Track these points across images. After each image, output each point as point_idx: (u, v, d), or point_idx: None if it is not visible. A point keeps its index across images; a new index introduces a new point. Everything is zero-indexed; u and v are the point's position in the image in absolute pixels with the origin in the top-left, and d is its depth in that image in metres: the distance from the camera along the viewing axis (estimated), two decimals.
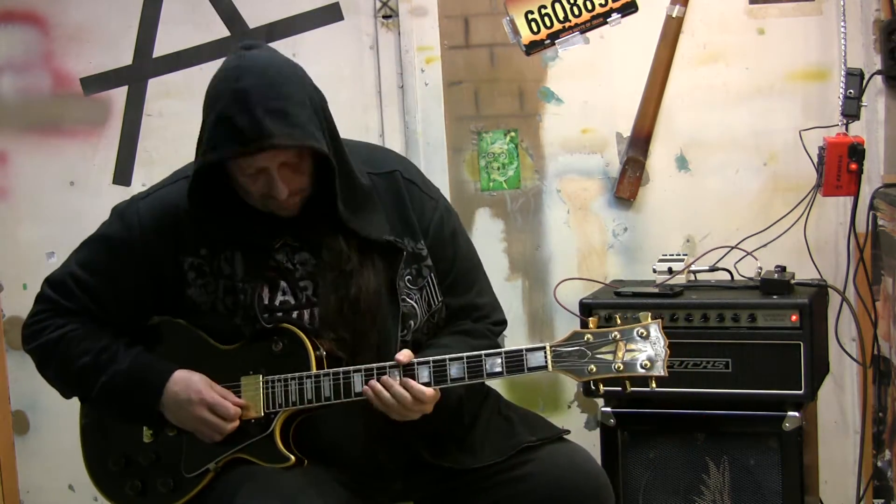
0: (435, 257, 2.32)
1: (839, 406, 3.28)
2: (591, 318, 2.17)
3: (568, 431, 2.39)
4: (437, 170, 3.39)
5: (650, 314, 2.10)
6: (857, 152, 2.95)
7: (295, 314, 2.25)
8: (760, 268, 2.96)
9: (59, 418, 3.64)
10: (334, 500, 2.18)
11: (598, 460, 2.70)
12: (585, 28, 3.33)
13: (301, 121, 2.08)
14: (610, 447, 2.91)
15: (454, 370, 2.15)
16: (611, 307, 2.89)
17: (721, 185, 3.30)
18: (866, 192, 3.09)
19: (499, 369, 2.14)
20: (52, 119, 3.61)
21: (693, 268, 3.06)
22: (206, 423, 2.20)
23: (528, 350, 2.14)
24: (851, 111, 3.00)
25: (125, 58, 3.55)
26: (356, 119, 3.43)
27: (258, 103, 2.05)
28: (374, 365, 2.18)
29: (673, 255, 3.08)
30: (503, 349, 2.16)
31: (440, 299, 2.33)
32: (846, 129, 3.02)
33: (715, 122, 3.28)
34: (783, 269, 2.94)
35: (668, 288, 2.94)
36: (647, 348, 2.08)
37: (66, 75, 3.59)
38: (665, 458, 2.89)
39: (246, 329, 2.23)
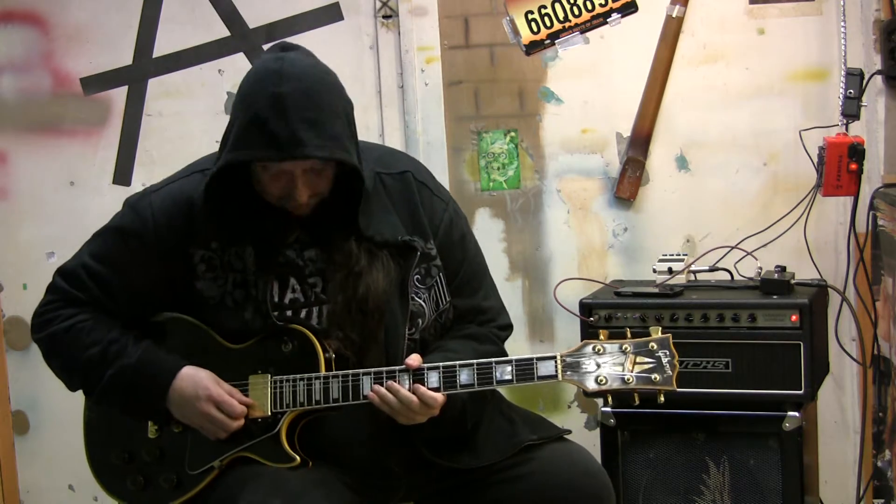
0: (443, 259, 2.34)
1: (839, 406, 3.28)
2: (601, 330, 2.18)
3: (569, 431, 2.40)
4: (437, 170, 3.37)
5: (660, 328, 2.13)
6: (857, 152, 2.95)
7: (304, 312, 2.26)
8: (760, 268, 2.96)
9: (59, 418, 3.65)
10: (338, 500, 2.18)
11: (599, 460, 2.70)
12: (585, 28, 3.33)
13: (335, 132, 2.11)
14: (610, 447, 2.90)
15: (464, 376, 2.17)
16: (611, 307, 2.89)
17: (721, 185, 3.30)
18: (866, 192, 3.09)
19: (508, 377, 2.16)
20: (52, 119, 3.61)
21: (693, 268, 3.06)
22: (212, 419, 2.20)
23: (538, 359, 2.16)
24: (851, 111, 3.00)
25: (125, 58, 3.56)
26: (356, 119, 3.41)
27: (294, 111, 2.07)
28: (384, 368, 2.19)
29: (673, 255, 3.08)
30: (514, 357, 2.18)
31: (448, 299, 2.35)
32: (846, 129, 3.03)
33: (715, 122, 3.28)
34: (783, 269, 2.94)
35: (668, 288, 2.94)
36: (657, 362, 2.11)
37: (66, 75, 3.59)
38: (665, 458, 2.89)
39: (256, 324, 2.23)
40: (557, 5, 3.32)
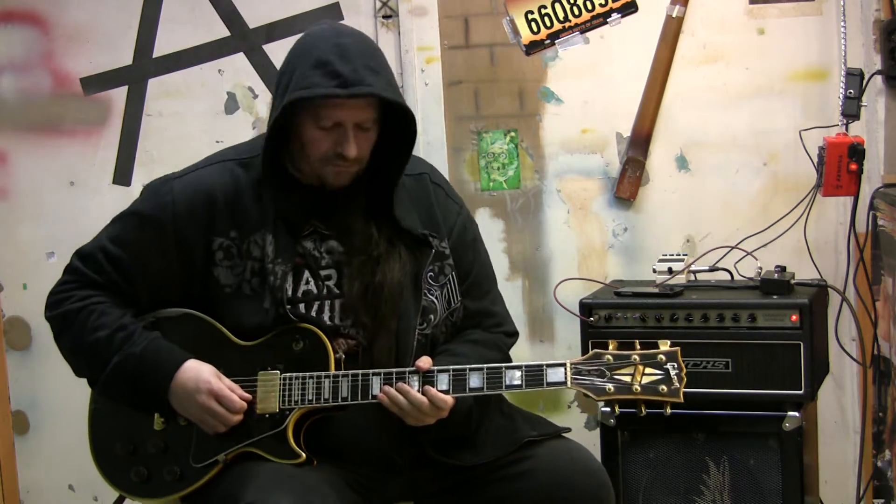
0: (455, 260, 2.37)
1: (839, 406, 3.28)
2: (610, 340, 2.20)
3: (569, 429, 2.40)
4: None
5: (669, 342, 2.16)
6: (857, 152, 2.95)
7: (316, 305, 2.28)
8: (760, 268, 2.96)
9: (58, 418, 3.65)
10: (343, 500, 2.18)
11: (598, 460, 2.70)
12: (585, 28, 3.33)
13: (393, 82, 2.22)
14: (610, 447, 2.91)
15: (473, 380, 2.19)
16: (611, 307, 2.89)
17: (721, 185, 3.30)
18: (866, 192, 3.09)
19: (518, 382, 2.18)
20: (52, 119, 3.61)
21: (693, 268, 3.06)
22: (212, 412, 2.20)
23: (548, 366, 2.18)
24: (851, 111, 3.00)
25: (125, 58, 3.56)
26: None
27: (358, 57, 2.16)
28: (394, 370, 2.21)
29: (673, 255, 3.08)
30: (524, 363, 2.19)
31: (459, 299, 2.37)
32: (846, 129, 3.03)
33: (715, 122, 3.28)
34: (783, 269, 2.94)
35: (668, 288, 2.94)
36: (665, 374, 2.14)
37: (66, 75, 3.59)
38: (665, 458, 2.89)
39: (271, 313, 2.23)
40: (557, 5, 3.32)
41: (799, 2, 3.20)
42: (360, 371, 2.21)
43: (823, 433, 3.15)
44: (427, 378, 2.19)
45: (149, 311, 2.32)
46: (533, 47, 3.36)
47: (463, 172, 3.45)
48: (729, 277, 3.05)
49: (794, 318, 2.76)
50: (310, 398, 2.22)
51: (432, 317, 2.32)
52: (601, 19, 3.31)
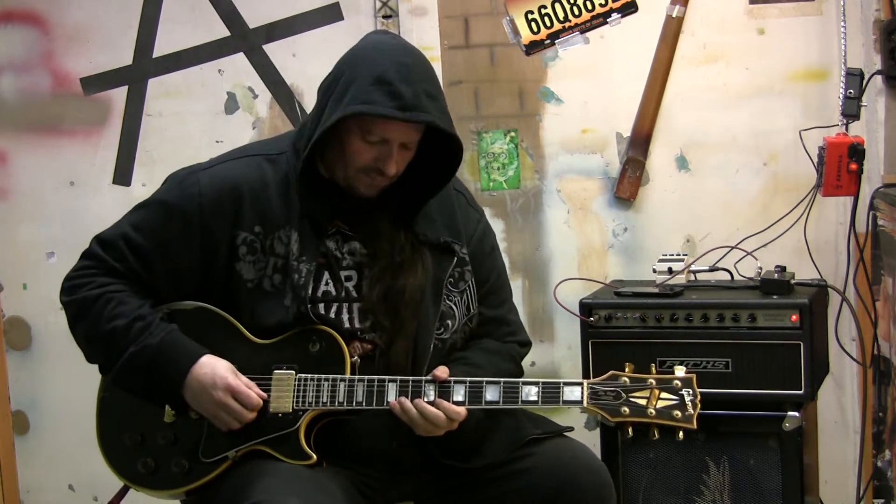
0: (474, 267, 2.38)
1: (839, 406, 3.28)
2: (627, 363, 2.22)
3: (571, 428, 2.41)
4: None
5: (685, 368, 2.19)
6: (857, 152, 2.95)
7: (335, 307, 2.27)
8: (760, 268, 2.96)
9: (59, 418, 3.65)
10: (350, 503, 2.19)
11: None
12: (585, 28, 3.33)
13: (447, 110, 2.24)
14: (610, 447, 2.90)
15: (490, 393, 2.20)
16: (611, 307, 2.89)
17: (721, 185, 3.30)
18: (866, 192, 3.10)
19: (534, 398, 2.19)
20: (52, 119, 3.60)
21: (693, 268, 3.05)
22: (227, 408, 2.18)
23: (565, 384, 2.19)
24: (851, 111, 3.00)
25: (125, 58, 3.55)
26: None
27: (419, 82, 2.18)
28: (410, 378, 2.21)
29: (673, 255, 3.08)
30: (541, 379, 2.20)
31: (477, 306, 2.38)
32: (846, 129, 3.03)
33: (715, 122, 3.28)
34: (783, 269, 2.94)
35: (668, 288, 2.94)
36: (680, 399, 2.15)
37: (66, 75, 3.59)
38: (665, 458, 2.89)
39: (292, 311, 2.22)
40: (557, 5, 3.32)
41: (799, 2, 3.20)
42: (377, 377, 2.21)
43: (823, 433, 3.15)
44: (443, 388, 2.19)
45: (166, 301, 2.30)
46: (533, 47, 3.36)
47: (463, 172, 3.45)
48: (729, 277, 3.04)
49: (794, 318, 2.76)
50: (324, 400, 2.21)
51: (450, 322, 2.32)
52: (601, 19, 3.31)
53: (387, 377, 2.21)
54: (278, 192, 2.27)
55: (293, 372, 2.23)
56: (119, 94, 3.57)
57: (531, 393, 2.19)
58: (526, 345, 2.49)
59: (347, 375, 2.21)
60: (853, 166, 2.95)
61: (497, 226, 3.44)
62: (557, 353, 3.43)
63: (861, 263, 3.08)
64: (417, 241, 2.31)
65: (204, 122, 3.53)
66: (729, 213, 3.29)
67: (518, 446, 2.30)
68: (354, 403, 2.20)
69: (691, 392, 2.16)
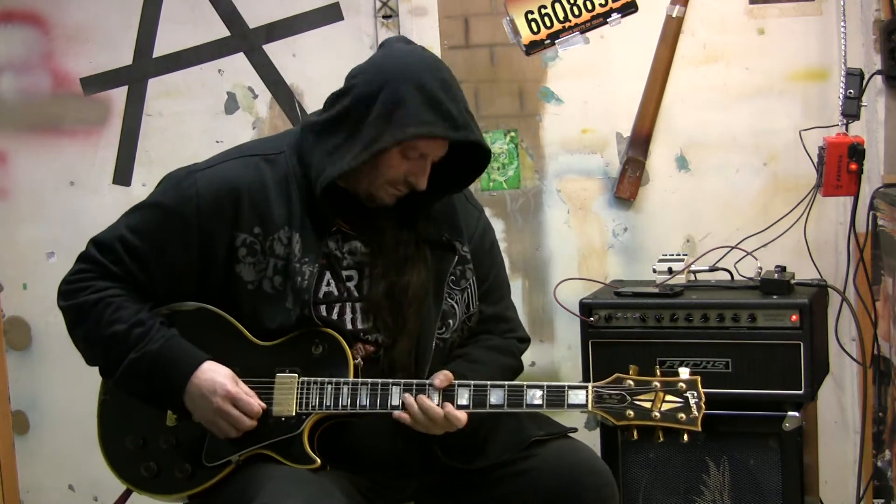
0: (474, 264, 2.37)
1: (839, 406, 3.28)
2: (631, 366, 2.21)
3: (575, 429, 2.40)
4: None
5: (689, 370, 2.18)
6: (857, 152, 2.95)
7: (337, 307, 2.26)
8: (760, 268, 2.96)
9: (59, 418, 3.65)
10: None
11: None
12: (585, 28, 3.33)
13: (479, 127, 2.26)
14: (610, 447, 2.90)
15: (494, 397, 2.19)
16: (611, 307, 2.89)
17: (721, 185, 3.30)
18: (866, 192, 3.10)
19: (539, 402, 2.19)
20: (52, 119, 3.60)
21: (693, 268, 3.05)
22: (227, 416, 2.17)
23: (570, 387, 2.18)
24: (851, 111, 3.00)
25: (125, 58, 3.55)
26: None
27: (461, 99, 2.22)
28: (414, 381, 2.20)
29: (673, 255, 3.08)
30: (545, 383, 2.19)
31: (477, 304, 2.37)
32: (846, 129, 3.03)
33: (715, 122, 3.28)
34: (783, 269, 2.94)
35: (668, 288, 2.94)
36: (685, 402, 2.15)
37: (66, 75, 3.59)
38: (665, 458, 2.89)
39: (295, 313, 2.21)
40: (557, 5, 3.32)
41: (799, 2, 3.20)
42: (380, 380, 2.20)
43: (823, 433, 3.15)
44: (447, 393, 2.18)
45: (165, 304, 2.28)
46: (533, 47, 3.36)
47: None
48: (729, 277, 3.04)
49: (794, 318, 2.76)
50: (328, 404, 2.20)
51: (451, 322, 2.31)
52: (601, 19, 3.31)
53: (391, 381, 2.20)
54: (277, 193, 2.24)
55: (296, 375, 2.22)
56: (119, 94, 3.57)
57: (536, 397, 2.18)
58: (525, 341, 2.49)
59: (351, 379, 2.20)
60: (853, 166, 2.95)
61: (497, 226, 3.44)
62: (557, 353, 3.43)
63: (861, 263, 3.08)
64: (419, 239, 2.30)
65: (204, 122, 3.53)
66: (729, 213, 3.29)
67: (521, 448, 2.30)
68: (359, 407, 2.19)
69: (696, 394, 2.15)
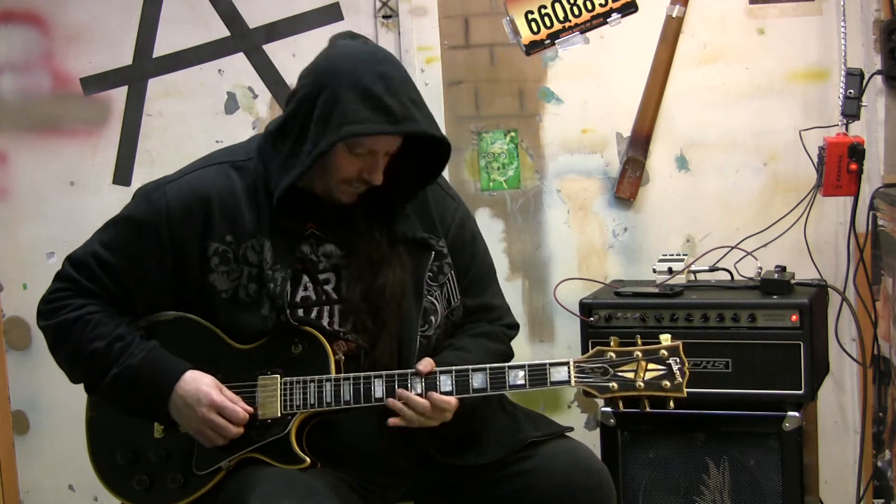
0: (453, 257, 2.36)
1: (839, 406, 3.28)
2: (612, 337, 2.20)
3: (571, 429, 2.40)
4: None
5: (670, 336, 2.16)
6: (857, 152, 2.95)
7: (315, 311, 2.26)
8: (760, 268, 2.96)
9: (59, 418, 3.65)
10: (347, 503, 2.18)
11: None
12: (585, 28, 3.33)
13: (430, 113, 2.21)
14: (610, 447, 2.91)
15: (476, 381, 2.18)
16: (611, 307, 2.89)
17: (721, 185, 3.30)
18: (866, 192, 3.10)
19: (521, 382, 2.18)
20: (52, 119, 3.61)
21: (693, 268, 3.06)
22: (213, 425, 2.18)
23: (551, 364, 2.19)
24: (851, 111, 3.00)
25: (125, 58, 3.56)
26: None
27: (402, 91, 2.16)
28: (396, 371, 2.19)
29: (673, 255, 3.08)
30: (527, 362, 2.19)
31: (458, 298, 2.36)
32: (846, 129, 3.03)
33: (715, 122, 3.28)
34: (783, 269, 2.94)
35: (668, 288, 2.94)
36: (668, 369, 2.14)
37: (66, 75, 3.59)
38: (665, 458, 2.89)
39: (271, 320, 2.21)
40: (557, 5, 3.32)
41: (799, 2, 3.20)
42: (362, 374, 2.20)
43: (823, 433, 3.15)
44: (429, 380, 2.18)
45: (143, 317, 2.29)
46: (533, 47, 3.36)
47: (463, 172, 3.45)
48: (729, 277, 3.05)
49: (794, 318, 2.76)
50: (312, 402, 2.20)
51: (433, 318, 2.31)
52: (601, 19, 3.31)
53: (372, 373, 2.20)
54: (247, 201, 2.24)
55: (278, 376, 2.22)
56: (119, 94, 3.57)
57: (518, 377, 2.18)
58: (513, 327, 2.48)
59: (333, 375, 2.20)
60: (853, 166, 2.95)
61: (497, 226, 3.44)
62: (557, 353, 3.43)
63: (861, 263, 3.08)
64: (393, 239, 2.29)
65: (204, 122, 3.54)
66: (729, 213, 3.29)
67: (518, 447, 2.30)
68: (342, 402, 2.20)
69: (678, 360, 2.14)
